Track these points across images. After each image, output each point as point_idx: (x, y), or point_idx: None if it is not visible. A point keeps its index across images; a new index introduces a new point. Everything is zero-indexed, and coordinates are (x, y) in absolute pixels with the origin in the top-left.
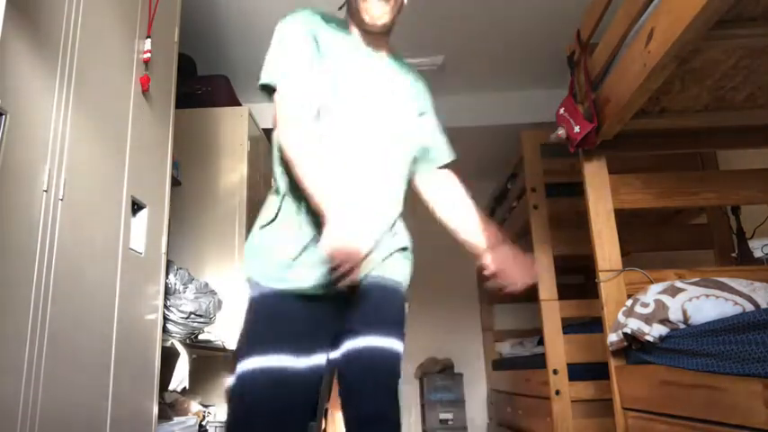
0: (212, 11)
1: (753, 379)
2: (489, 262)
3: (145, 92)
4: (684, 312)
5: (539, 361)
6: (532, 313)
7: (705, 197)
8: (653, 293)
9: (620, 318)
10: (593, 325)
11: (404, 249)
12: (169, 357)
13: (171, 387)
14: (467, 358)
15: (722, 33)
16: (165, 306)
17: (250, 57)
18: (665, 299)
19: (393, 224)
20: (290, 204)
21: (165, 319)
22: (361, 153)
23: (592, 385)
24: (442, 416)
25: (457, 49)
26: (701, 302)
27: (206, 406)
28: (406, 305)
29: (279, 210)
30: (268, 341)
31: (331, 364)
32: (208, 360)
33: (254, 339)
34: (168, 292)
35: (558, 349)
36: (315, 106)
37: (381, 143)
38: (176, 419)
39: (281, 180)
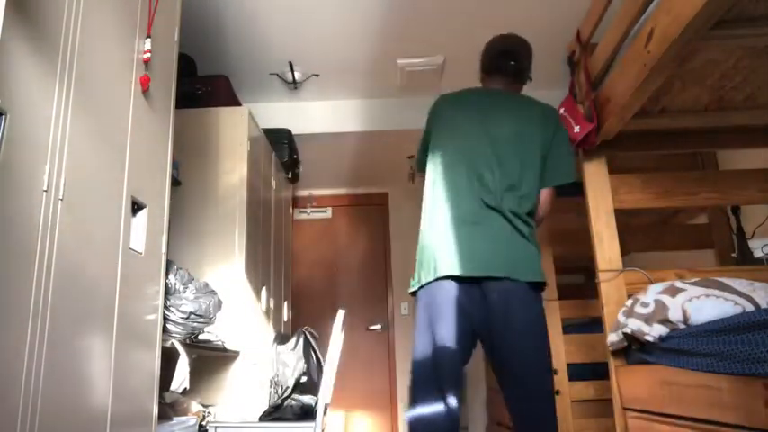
0: (212, 11)
1: (753, 379)
2: None
3: (145, 92)
4: (684, 312)
5: None
6: None
7: (705, 197)
8: (653, 293)
9: (620, 318)
10: (594, 325)
11: None
12: (169, 357)
13: (172, 388)
14: None
15: (722, 33)
16: (165, 306)
17: (250, 57)
18: (665, 299)
19: None
20: None
21: (165, 319)
22: None
23: (592, 385)
24: None
25: (457, 49)
26: (701, 302)
27: (206, 406)
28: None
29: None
30: None
31: None
32: (208, 360)
33: None
34: (168, 292)
35: (558, 349)
36: None
37: None
38: (176, 419)
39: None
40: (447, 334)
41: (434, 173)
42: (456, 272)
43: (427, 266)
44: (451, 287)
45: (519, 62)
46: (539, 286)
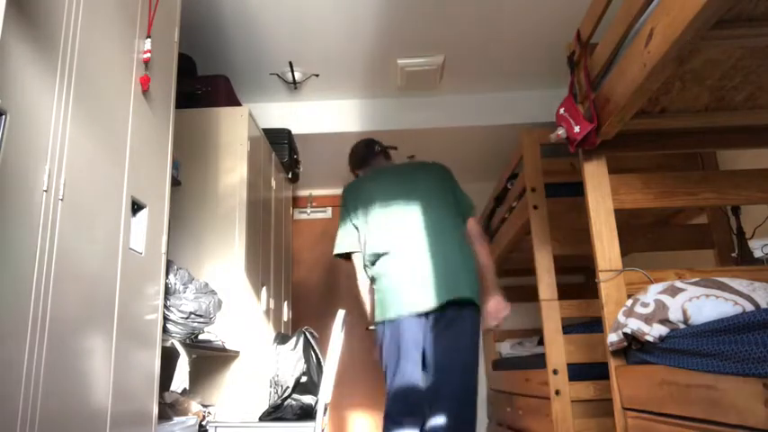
0: (212, 11)
1: (753, 379)
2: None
3: (145, 92)
4: (684, 312)
5: (539, 361)
6: (532, 313)
7: (705, 197)
8: (653, 293)
9: (620, 318)
10: (594, 325)
11: None
12: (169, 357)
13: (173, 388)
14: None
15: (722, 33)
16: (165, 306)
17: (250, 57)
18: (665, 299)
19: None
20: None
21: (165, 319)
22: None
23: (592, 385)
24: None
25: (457, 49)
26: (701, 302)
27: (206, 406)
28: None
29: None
30: None
31: None
32: (208, 360)
33: None
34: (168, 292)
35: (558, 349)
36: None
37: None
38: (176, 419)
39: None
40: (410, 366)
41: (375, 241)
42: (411, 310)
43: (390, 307)
44: (408, 322)
45: (379, 144)
46: (463, 302)
